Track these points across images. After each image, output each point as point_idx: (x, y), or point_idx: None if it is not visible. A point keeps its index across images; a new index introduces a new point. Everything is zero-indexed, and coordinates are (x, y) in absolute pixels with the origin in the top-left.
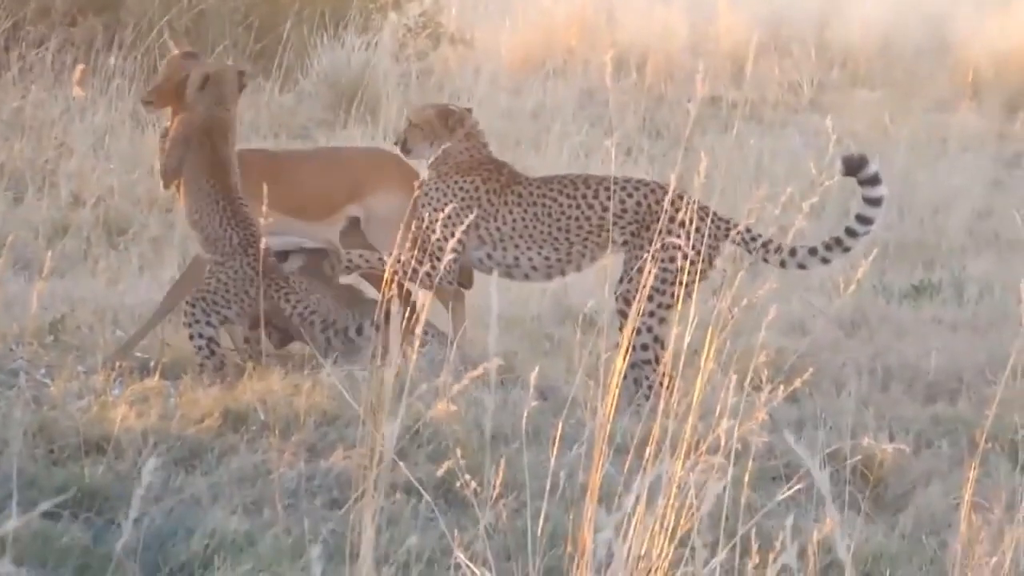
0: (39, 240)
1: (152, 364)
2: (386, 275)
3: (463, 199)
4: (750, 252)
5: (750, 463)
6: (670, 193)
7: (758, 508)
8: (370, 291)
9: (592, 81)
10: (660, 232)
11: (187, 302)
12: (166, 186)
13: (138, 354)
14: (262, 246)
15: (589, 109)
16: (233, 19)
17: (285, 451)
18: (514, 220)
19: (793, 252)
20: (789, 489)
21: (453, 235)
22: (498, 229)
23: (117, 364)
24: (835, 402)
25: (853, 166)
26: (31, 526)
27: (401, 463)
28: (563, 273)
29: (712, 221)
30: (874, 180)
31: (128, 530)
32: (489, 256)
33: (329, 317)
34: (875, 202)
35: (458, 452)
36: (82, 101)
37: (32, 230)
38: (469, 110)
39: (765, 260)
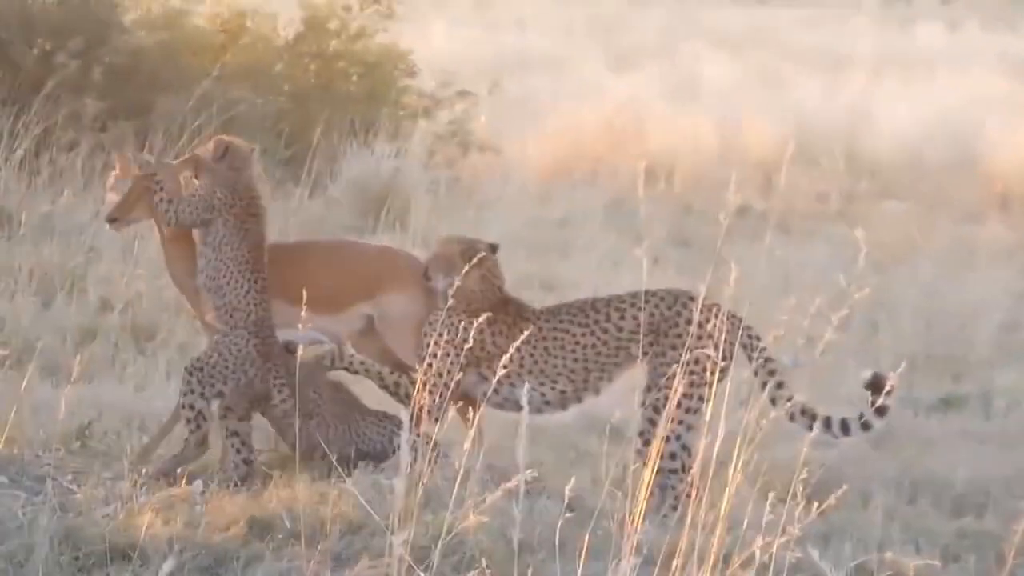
0: (67, 345)
1: (179, 470)
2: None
3: (468, 339)
4: (760, 380)
5: None
6: (699, 302)
7: None
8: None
9: (620, 190)
10: (686, 343)
11: (185, 369)
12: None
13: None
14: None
15: (617, 218)
16: (263, 125)
17: (311, 560)
18: (522, 358)
19: (801, 411)
20: None
21: (448, 372)
22: (504, 367)
23: (143, 470)
24: (862, 515)
25: (876, 386)
26: None
27: (424, 575)
28: (579, 400)
29: (744, 331)
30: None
31: None
32: (496, 392)
33: (316, 433)
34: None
35: (484, 562)
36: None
37: (60, 335)
38: (495, 247)
39: (772, 401)
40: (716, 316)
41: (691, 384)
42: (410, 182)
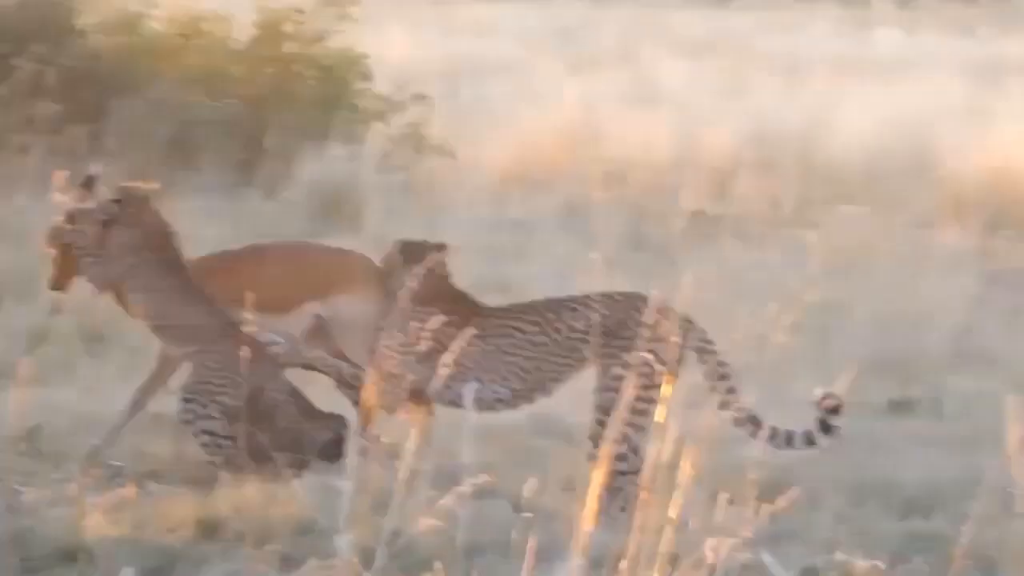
0: (17, 348)
1: (126, 472)
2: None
3: (422, 334)
4: (710, 384)
5: None
6: (649, 304)
7: None
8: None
9: (576, 195)
10: (631, 344)
11: (182, 399)
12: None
13: (113, 462)
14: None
15: (573, 222)
16: (217, 129)
17: (259, 561)
18: (474, 353)
19: (748, 417)
20: None
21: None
22: (458, 364)
23: (90, 471)
24: (811, 517)
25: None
26: None
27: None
28: (531, 401)
29: (696, 335)
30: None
31: None
32: (449, 387)
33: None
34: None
35: (435, 565)
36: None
37: (10, 338)
38: (441, 246)
39: (721, 405)
40: (668, 319)
41: (641, 387)
42: (365, 185)
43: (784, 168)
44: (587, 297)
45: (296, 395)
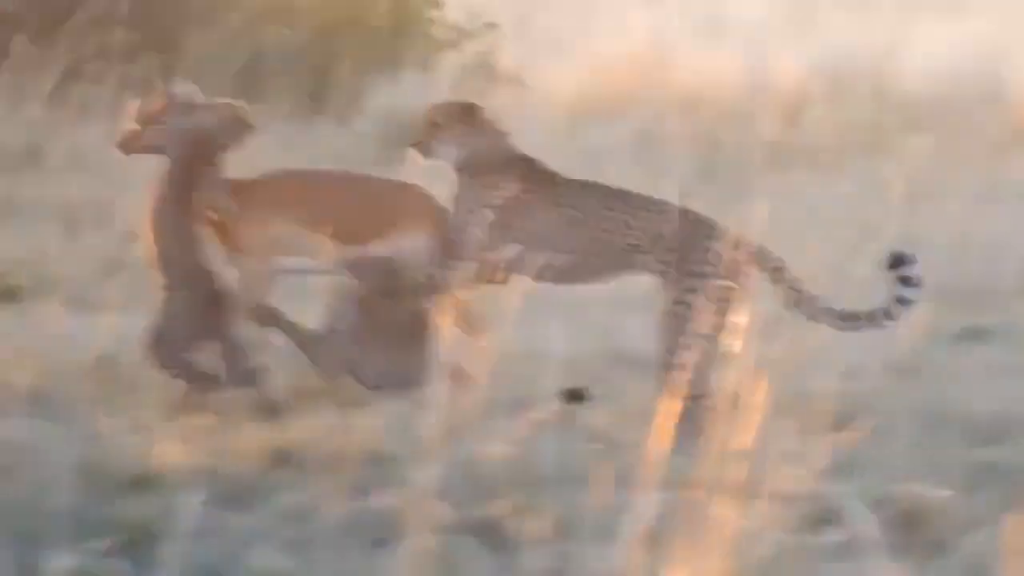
0: (94, 277)
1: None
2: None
3: (498, 196)
4: (796, 306)
5: (807, 509)
6: (724, 236)
7: (804, 554)
8: None
9: (647, 123)
10: (706, 272)
11: (146, 345)
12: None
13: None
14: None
15: (643, 153)
16: (289, 58)
17: (331, 490)
18: (547, 220)
19: (844, 315)
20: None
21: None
22: (529, 229)
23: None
24: (884, 446)
25: (897, 262)
26: (80, 563)
27: (444, 503)
28: (583, 281)
29: (771, 263)
30: (912, 282)
31: (174, 568)
32: (522, 258)
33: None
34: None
35: (513, 493)
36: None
37: (87, 266)
38: (484, 110)
39: (812, 319)
40: (742, 251)
41: (713, 312)
42: None
43: (855, 98)
44: (665, 203)
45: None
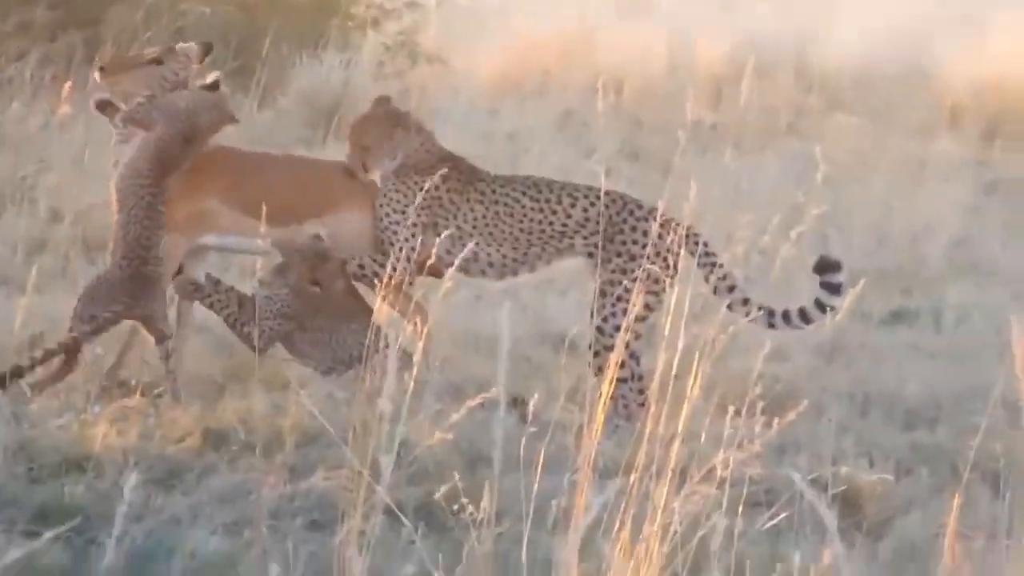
0: (18, 256)
1: (132, 382)
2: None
3: (424, 197)
4: (719, 296)
5: (744, 492)
6: (652, 214)
7: (741, 536)
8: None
9: (570, 103)
10: (632, 251)
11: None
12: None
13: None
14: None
15: (567, 131)
16: (211, 36)
17: (267, 471)
18: (475, 217)
19: (765, 308)
20: (773, 517)
21: (411, 234)
22: (458, 226)
23: (97, 383)
24: (814, 428)
25: (824, 267)
26: (11, 545)
27: (379, 488)
28: (515, 274)
29: (700, 248)
30: (835, 288)
31: (110, 550)
32: (448, 252)
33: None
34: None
35: (449, 477)
36: (62, 116)
37: (10, 246)
38: (407, 113)
39: (729, 308)
40: (673, 231)
41: (644, 293)
42: (359, 94)
43: (779, 77)
44: (588, 188)
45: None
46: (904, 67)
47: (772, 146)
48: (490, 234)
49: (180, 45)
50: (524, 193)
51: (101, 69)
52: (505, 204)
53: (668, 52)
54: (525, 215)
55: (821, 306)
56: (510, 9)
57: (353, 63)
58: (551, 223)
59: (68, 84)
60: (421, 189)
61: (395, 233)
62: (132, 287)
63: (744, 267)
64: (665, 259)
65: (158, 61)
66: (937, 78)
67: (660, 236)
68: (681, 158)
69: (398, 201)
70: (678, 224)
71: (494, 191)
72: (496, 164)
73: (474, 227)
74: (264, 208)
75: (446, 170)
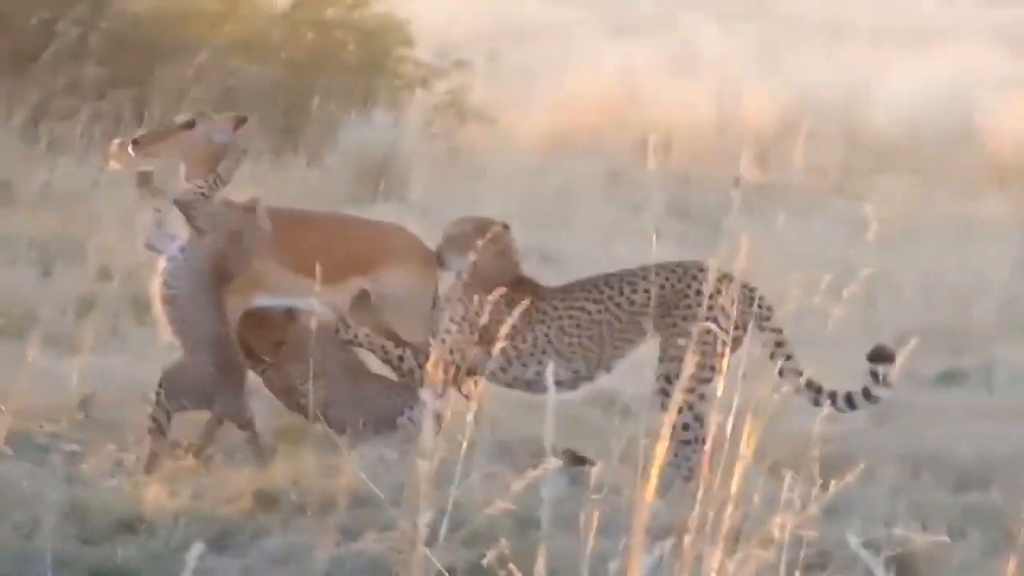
0: (67, 315)
1: (183, 444)
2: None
3: (487, 314)
4: (774, 361)
5: (801, 555)
6: (712, 273)
7: None
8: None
9: (617, 161)
10: (697, 314)
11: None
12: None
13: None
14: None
15: (615, 190)
16: (260, 95)
17: (318, 532)
18: (535, 337)
19: (807, 384)
20: None
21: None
22: (516, 348)
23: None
24: (866, 490)
25: (878, 357)
26: None
27: (427, 551)
28: (592, 380)
29: (757, 304)
30: (883, 381)
31: None
32: (504, 370)
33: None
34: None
35: (501, 540)
36: (111, 174)
37: (60, 304)
38: (507, 227)
39: (779, 374)
40: (728, 287)
41: (703, 355)
42: (408, 152)
43: (826, 136)
44: (645, 269)
45: (351, 356)
46: (952, 126)
47: (820, 206)
48: (557, 351)
49: (214, 116)
50: (586, 298)
51: (135, 142)
52: (570, 317)
53: (716, 109)
54: (592, 320)
55: (868, 394)
56: (558, 68)
57: (401, 122)
58: (618, 317)
59: (117, 142)
60: (480, 306)
61: (443, 342)
62: (218, 382)
63: (794, 327)
64: (722, 320)
65: (190, 125)
66: (985, 137)
67: (716, 297)
68: (729, 217)
69: (456, 311)
70: (733, 280)
71: (556, 307)
72: (544, 222)
73: (535, 346)
74: (318, 267)
75: (505, 290)
